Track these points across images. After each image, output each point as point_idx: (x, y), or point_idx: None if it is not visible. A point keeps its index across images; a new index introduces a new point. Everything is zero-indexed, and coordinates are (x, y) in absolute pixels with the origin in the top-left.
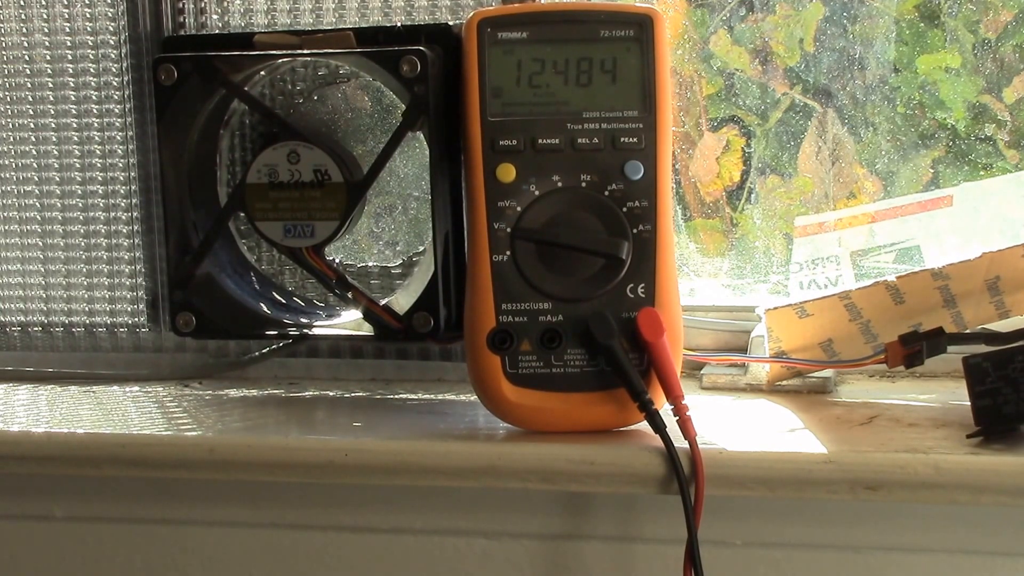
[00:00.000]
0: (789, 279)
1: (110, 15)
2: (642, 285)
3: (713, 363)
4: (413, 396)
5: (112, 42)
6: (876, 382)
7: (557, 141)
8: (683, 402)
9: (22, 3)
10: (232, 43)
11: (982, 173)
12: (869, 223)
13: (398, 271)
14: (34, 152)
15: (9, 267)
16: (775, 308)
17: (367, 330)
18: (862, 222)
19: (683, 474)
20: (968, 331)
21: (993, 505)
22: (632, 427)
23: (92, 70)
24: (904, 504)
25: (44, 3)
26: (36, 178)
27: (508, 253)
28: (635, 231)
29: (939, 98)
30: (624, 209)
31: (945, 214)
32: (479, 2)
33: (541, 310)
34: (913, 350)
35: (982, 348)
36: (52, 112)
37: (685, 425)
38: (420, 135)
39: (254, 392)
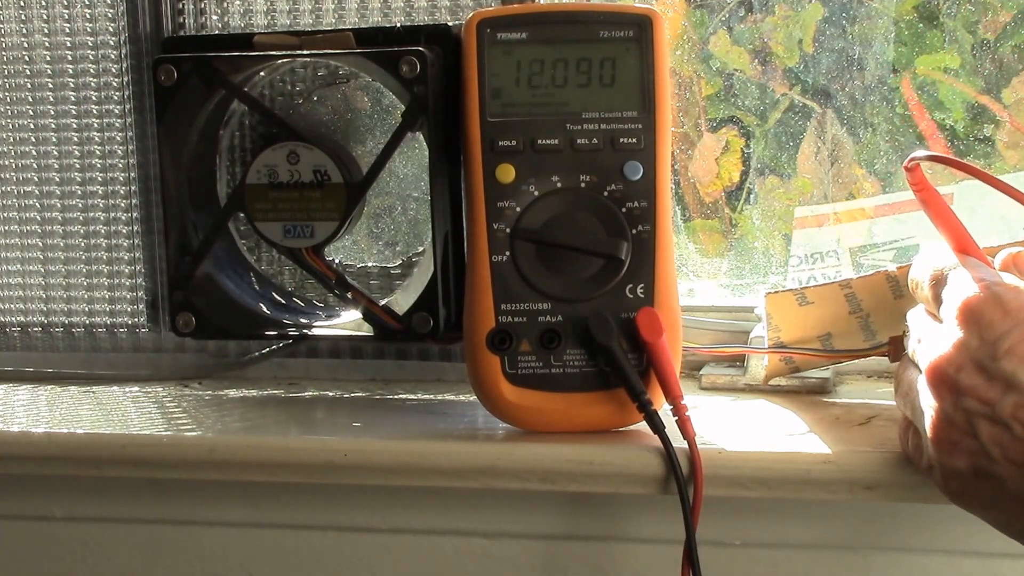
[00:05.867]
0: (788, 273)
1: (110, 15)
2: (641, 285)
3: (711, 361)
4: (413, 396)
5: (112, 42)
6: (875, 382)
7: (556, 142)
8: (682, 402)
9: (22, 3)
10: (232, 44)
11: None
12: (869, 219)
13: (397, 271)
14: (34, 152)
15: (9, 267)
16: (775, 292)
17: (367, 330)
18: (860, 218)
19: (681, 474)
20: None
21: None
22: (631, 427)
23: (92, 70)
24: (903, 504)
25: (44, 3)
26: (36, 178)
27: (507, 253)
28: (634, 231)
29: (938, 99)
30: (623, 209)
31: None
32: (479, 2)
33: (540, 310)
34: None
35: None
36: (52, 112)
37: (684, 425)
38: (419, 135)
39: (254, 392)
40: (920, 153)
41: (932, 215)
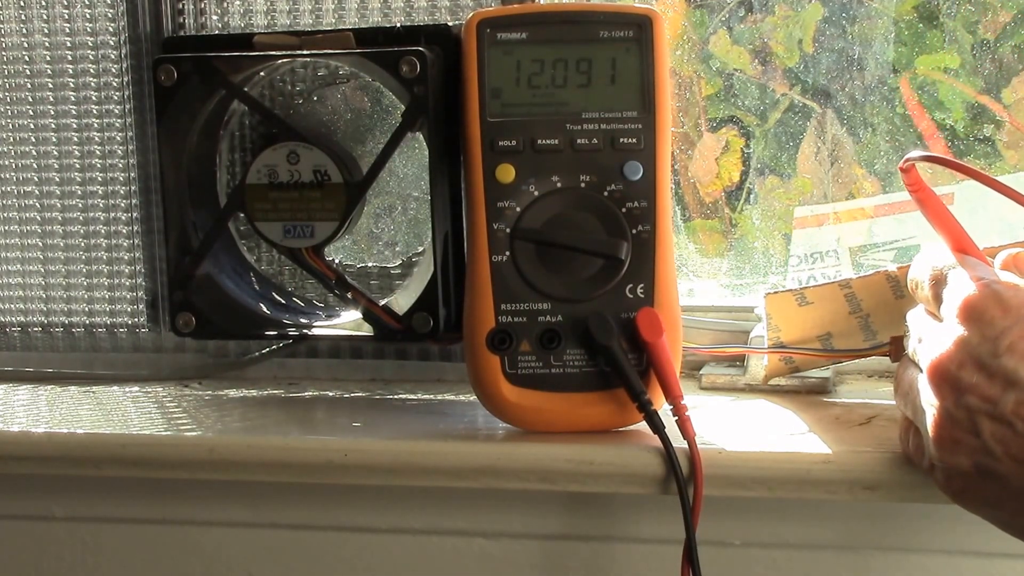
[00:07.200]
0: (788, 272)
1: (110, 15)
2: (641, 285)
3: (711, 361)
4: (412, 396)
5: (112, 42)
6: (875, 382)
7: (556, 142)
8: (682, 402)
9: (22, 3)
10: (232, 44)
11: None
12: (869, 219)
13: (397, 271)
14: (34, 152)
15: (9, 267)
16: (775, 292)
17: (367, 330)
18: (860, 218)
19: (681, 474)
20: None
21: None
22: (631, 427)
23: (92, 70)
24: (903, 504)
25: (44, 3)
26: (36, 178)
27: (507, 253)
28: (634, 231)
29: (938, 99)
30: (623, 209)
31: None
32: (478, 3)
33: (540, 310)
34: None
35: None
36: (52, 112)
37: (684, 425)
38: (419, 135)
39: (254, 392)
40: (915, 154)
41: (929, 216)
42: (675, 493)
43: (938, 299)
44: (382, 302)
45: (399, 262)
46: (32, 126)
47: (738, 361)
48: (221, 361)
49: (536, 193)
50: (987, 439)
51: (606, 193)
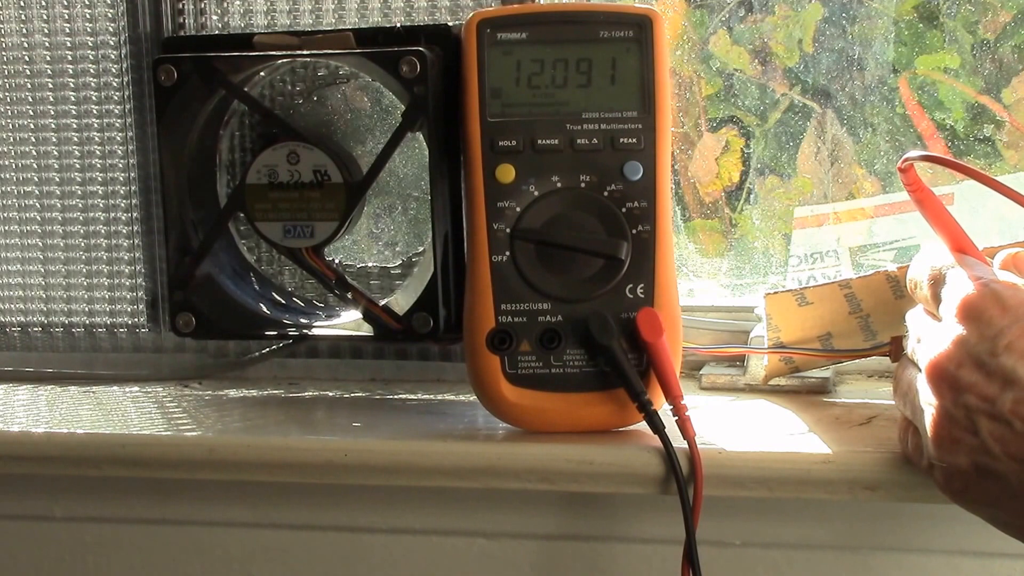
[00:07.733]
0: (787, 272)
1: (110, 15)
2: (641, 285)
3: (711, 361)
4: (412, 396)
5: (112, 42)
6: (875, 382)
7: (556, 142)
8: (682, 402)
9: (22, 3)
10: (232, 44)
11: None
12: (869, 219)
13: (397, 271)
14: (34, 152)
15: (9, 267)
16: (775, 292)
17: (367, 330)
18: (860, 218)
19: (681, 474)
20: None
21: None
22: (631, 427)
23: (92, 70)
24: (903, 504)
25: (44, 3)
26: (36, 178)
27: (507, 253)
28: (634, 231)
29: (938, 99)
30: (623, 209)
31: None
32: (478, 3)
33: (540, 310)
34: None
35: None
36: (52, 112)
37: (684, 425)
38: (419, 135)
39: (254, 392)
40: (913, 153)
41: (927, 215)
42: (675, 493)
43: (937, 299)
44: (382, 302)
45: (399, 262)
46: (32, 126)
47: (738, 361)
48: (221, 361)
49: (536, 193)
50: (986, 438)
51: (606, 193)
